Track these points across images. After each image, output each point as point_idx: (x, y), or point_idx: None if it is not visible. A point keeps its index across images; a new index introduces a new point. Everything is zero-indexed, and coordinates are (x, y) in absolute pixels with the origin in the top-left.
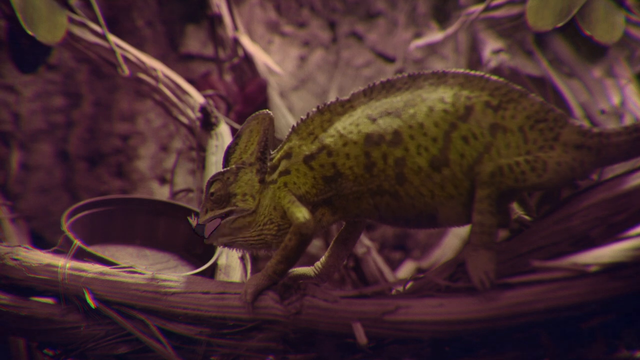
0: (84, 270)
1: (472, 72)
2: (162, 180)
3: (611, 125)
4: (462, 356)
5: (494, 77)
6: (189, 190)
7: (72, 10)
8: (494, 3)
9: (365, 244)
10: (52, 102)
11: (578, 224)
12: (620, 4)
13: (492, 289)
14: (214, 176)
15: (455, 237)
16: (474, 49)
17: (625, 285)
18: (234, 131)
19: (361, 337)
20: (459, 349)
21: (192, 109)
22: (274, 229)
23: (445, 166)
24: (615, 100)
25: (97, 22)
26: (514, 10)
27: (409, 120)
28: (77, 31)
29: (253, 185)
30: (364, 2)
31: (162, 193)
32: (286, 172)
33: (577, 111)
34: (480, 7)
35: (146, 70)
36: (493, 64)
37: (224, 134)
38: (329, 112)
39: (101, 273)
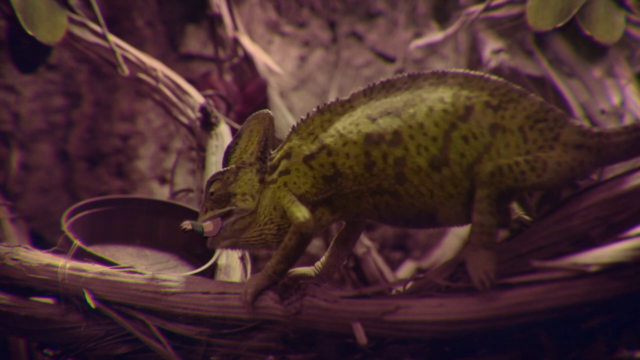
0: (84, 270)
1: (472, 72)
2: (162, 180)
3: (611, 125)
4: (462, 356)
5: (494, 77)
6: (189, 190)
7: (72, 10)
8: (494, 3)
9: (365, 244)
10: (52, 102)
11: (578, 224)
12: (620, 4)
13: (492, 289)
14: (213, 176)
15: (455, 237)
16: (474, 49)
17: (625, 285)
18: (234, 131)
19: (361, 337)
20: (459, 349)
21: (192, 109)
22: (274, 229)
23: (445, 166)
24: (615, 100)
25: (97, 22)
26: (514, 10)
27: (409, 120)
28: (77, 31)
29: (253, 185)
30: (364, 2)
31: (162, 193)
32: (286, 171)
33: (577, 111)
34: (480, 7)
35: (146, 70)
36: (493, 64)
37: (224, 134)
38: (329, 112)
39: (101, 273)
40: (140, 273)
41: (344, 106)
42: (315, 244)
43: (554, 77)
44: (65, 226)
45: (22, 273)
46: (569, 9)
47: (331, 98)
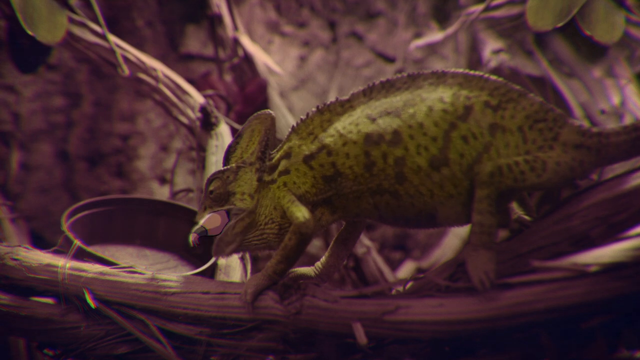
0: (84, 270)
1: (471, 72)
2: (162, 180)
3: (611, 125)
4: (462, 356)
5: (493, 77)
6: (189, 190)
7: (72, 10)
8: (494, 3)
9: (365, 244)
10: (52, 102)
11: (578, 224)
12: (620, 4)
13: (492, 289)
14: (213, 174)
15: (455, 237)
16: (474, 49)
17: (625, 285)
18: (234, 131)
19: (361, 337)
20: (459, 349)
21: (192, 109)
22: (275, 228)
23: (445, 166)
24: (615, 100)
25: (97, 22)
26: (514, 10)
27: (409, 119)
28: (77, 31)
29: (252, 184)
30: (364, 2)
31: (162, 193)
32: (286, 171)
33: (577, 111)
34: (480, 7)
35: (146, 70)
36: (493, 64)
37: (224, 134)
38: (329, 112)
39: (101, 273)
40: (140, 273)
41: (344, 106)
42: (315, 244)
43: (554, 77)
44: (65, 226)
45: (22, 273)
46: (569, 9)
47: (331, 98)
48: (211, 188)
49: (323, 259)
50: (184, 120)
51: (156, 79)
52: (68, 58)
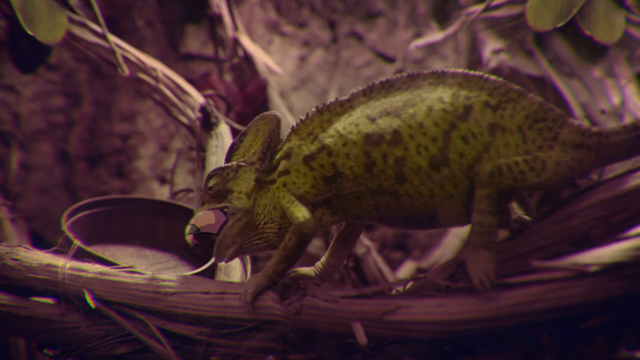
0: (84, 270)
1: (471, 72)
2: (162, 180)
3: (611, 125)
4: (462, 356)
5: (493, 77)
6: (189, 190)
7: (72, 10)
8: (494, 3)
9: (365, 244)
10: (52, 102)
11: (578, 224)
12: (620, 4)
13: (492, 289)
14: (214, 170)
15: (455, 237)
16: (474, 49)
17: (625, 285)
18: (234, 131)
19: (361, 337)
20: (459, 349)
21: (192, 109)
22: (275, 228)
23: (445, 165)
24: (615, 100)
25: (97, 22)
26: (514, 10)
27: (409, 119)
28: (77, 31)
29: (250, 184)
30: (364, 2)
31: (162, 193)
32: (286, 172)
33: (577, 111)
34: (480, 7)
35: (146, 70)
36: (493, 64)
37: (224, 134)
38: (329, 112)
39: (101, 273)
40: (140, 273)
41: (344, 106)
42: (315, 244)
43: (554, 77)
44: (65, 226)
45: (22, 273)
46: (569, 9)
47: (331, 98)
48: (210, 184)
49: (323, 259)
50: (184, 120)
51: (156, 79)
52: (68, 58)
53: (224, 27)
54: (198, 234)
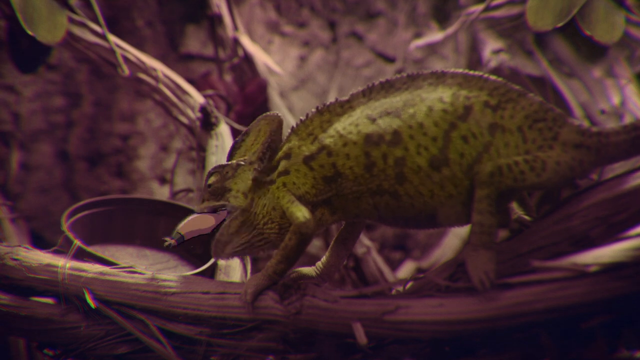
0: (84, 270)
1: (471, 72)
2: (162, 180)
3: (611, 125)
4: (462, 356)
5: (493, 77)
6: (189, 190)
7: (72, 10)
8: (494, 3)
9: (365, 244)
10: (52, 102)
11: (578, 224)
12: (620, 4)
13: (492, 289)
14: (214, 168)
15: (455, 237)
16: (474, 49)
17: (625, 285)
18: (234, 131)
19: (361, 337)
20: (459, 349)
21: (192, 109)
22: (275, 228)
23: (445, 165)
24: (615, 100)
25: (97, 22)
26: (514, 10)
27: (409, 120)
28: (77, 31)
29: (247, 183)
30: (364, 2)
31: (162, 193)
32: (285, 172)
33: (577, 111)
34: (480, 7)
35: (146, 70)
36: (493, 64)
37: (224, 134)
38: (328, 112)
39: (101, 273)
40: (140, 273)
41: (343, 107)
42: (315, 244)
43: (554, 77)
44: (65, 226)
45: (22, 273)
46: (569, 9)
47: (331, 98)
48: (210, 181)
49: (323, 258)
50: (184, 120)
51: (156, 79)
52: (68, 58)
53: (224, 27)
54: (182, 237)
